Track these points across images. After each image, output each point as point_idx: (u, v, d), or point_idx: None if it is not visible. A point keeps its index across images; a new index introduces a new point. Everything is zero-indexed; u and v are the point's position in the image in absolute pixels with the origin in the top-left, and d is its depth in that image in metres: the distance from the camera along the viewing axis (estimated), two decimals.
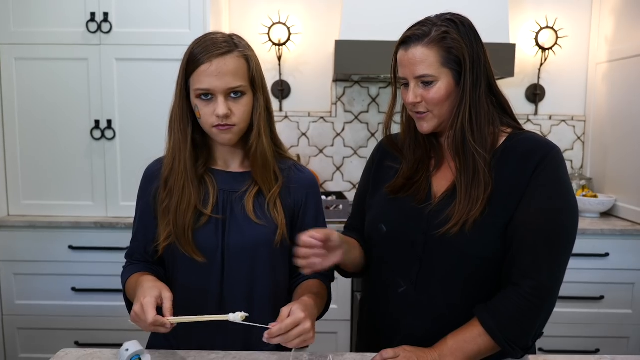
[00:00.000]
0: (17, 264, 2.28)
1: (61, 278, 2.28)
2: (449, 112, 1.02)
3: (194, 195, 1.07)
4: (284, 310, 0.94)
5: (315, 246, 0.95)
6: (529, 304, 0.95)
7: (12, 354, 2.33)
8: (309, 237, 0.95)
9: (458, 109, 1.00)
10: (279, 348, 1.17)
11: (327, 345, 2.31)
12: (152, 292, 0.94)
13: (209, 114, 1.03)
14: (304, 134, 2.77)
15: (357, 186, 1.26)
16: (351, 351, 1.11)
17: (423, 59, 0.98)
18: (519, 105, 2.77)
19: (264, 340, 0.91)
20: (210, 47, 1.02)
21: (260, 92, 1.09)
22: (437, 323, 1.03)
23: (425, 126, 1.04)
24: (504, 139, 1.04)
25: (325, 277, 1.19)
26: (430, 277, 1.03)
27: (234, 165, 1.15)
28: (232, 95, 1.03)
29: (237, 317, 0.92)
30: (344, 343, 2.32)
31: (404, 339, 1.05)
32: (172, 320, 0.91)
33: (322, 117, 2.76)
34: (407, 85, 1.04)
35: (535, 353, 1.11)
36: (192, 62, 1.03)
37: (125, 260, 1.21)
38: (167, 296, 0.94)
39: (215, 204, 1.10)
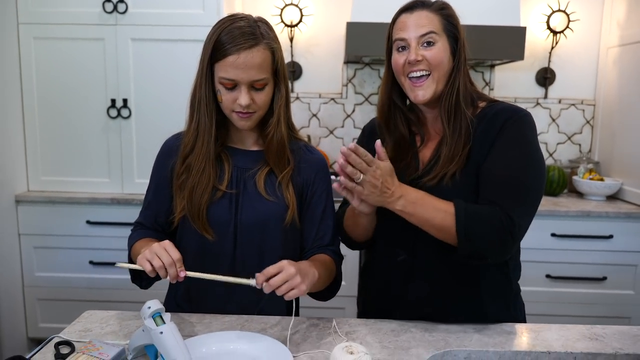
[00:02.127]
0: (37, 238, 2.38)
1: (79, 251, 2.38)
2: (444, 78, 1.09)
3: (212, 176, 1.12)
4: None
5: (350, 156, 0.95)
6: (500, 223, 0.98)
7: (33, 323, 2.44)
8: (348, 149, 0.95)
9: (455, 75, 1.08)
10: (289, 313, 1.24)
11: None
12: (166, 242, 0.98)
13: (231, 100, 1.08)
14: (314, 115, 2.81)
15: None
16: None
17: (429, 20, 1.07)
18: (529, 88, 2.78)
19: (256, 285, 0.93)
20: (237, 38, 1.04)
21: (282, 82, 1.13)
22: (435, 288, 1.10)
23: (421, 94, 1.08)
24: (478, 111, 1.11)
25: (334, 252, 1.22)
26: (425, 245, 1.09)
27: (249, 143, 1.20)
28: (255, 85, 1.07)
29: (252, 282, 0.95)
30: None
31: (405, 305, 1.12)
32: (189, 274, 0.97)
33: (332, 99, 2.80)
34: (404, 48, 1.09)
35: (525, 320, 1.18)
36: (218, 50, 1.05)
37: (133, 226, 1.24)
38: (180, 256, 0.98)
39: (229, 180, 1.15)
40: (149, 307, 0.88)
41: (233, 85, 1.06)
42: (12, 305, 2.36)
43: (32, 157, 2.40)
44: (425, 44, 1.07)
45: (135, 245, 1.16)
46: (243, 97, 1.06)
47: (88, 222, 2.35)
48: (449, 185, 1.05)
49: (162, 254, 0.95)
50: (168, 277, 0.97)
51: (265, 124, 1.15)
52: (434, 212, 1.00)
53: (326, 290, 1.19)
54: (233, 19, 1.08)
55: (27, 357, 0.92)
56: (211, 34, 1.08)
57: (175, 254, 0.96)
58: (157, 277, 1.02)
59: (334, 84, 2.80)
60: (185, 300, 1.22)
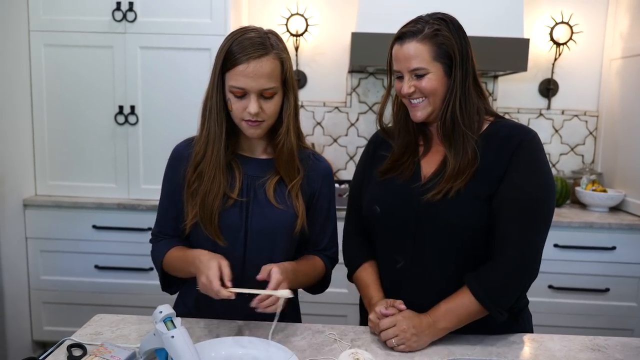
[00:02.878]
0: (43, 242, 2.40)
1: (85, 256, 2.40)
2: (441, 101, 1.11)
3: (223, 183, 1.14)
4: (265, 268, 1.06)
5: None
6: (512, 274, 1.05)
7: (38, 326, 2.46)
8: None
9: (449, 98, 1.10)
10: (295, 319, 1.26)
11: None
12: (212, 263, 1.03)
13: (241, 109, 1.10)
14: (319, 124, 2.84)
15: (351, 183, 1.34)
16: None
17: (417, 53, 1.08)
18: (532, 99, 2.80)
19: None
20: (247, 48, 1.06)
21: (291, 91, 1.15)
22: (436, 296, 1.11)
23: (419, 114, 1.12)
24: (486, 125, 1.14)
25: (328, 257, 1.28)
26: (424, 252, 1.12)
27: (258, 152, 1.22)
28: (265, 94, 1.10)
29: (285, 293, 1.01)
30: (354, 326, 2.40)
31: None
32: (233, 290, 1.01)
33: (337, 107, 2.83)
34: (401, 77, 1.12)
35: (532, 331, 1.19)
36: (229, 59, 1.08)
37: (152, 237, 1.27)
38: (225, 264, 1.04)
39: (240, 188, 1.17)
40: (161, 312, 0.90)
41: (243, 94, 1.09)
42: (18, 308, 2.38)
43: (40, 161, 2.43)
44: (415, 76, 1.09)
45: (169, 257, 1.19)
46: (252, 106, 1.08)
47: (94, 226, 2.37)
48: (453, 199, 1.07)
49: (208, 288, 1.01)
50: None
51: (275, 133, 1.18)
52: (464, 310, 1.07)
53: (316, 288, 1.29)
54: (244, 30, 1.11)
55: (40, 358, 0.94)
56: (223, 45, 1.11)
57: (216, 286, 1.00)
58: (185, 282, 1.07)
59: (338, 93, 2.82)
60: (194, 306, 1.24)
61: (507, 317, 1.08)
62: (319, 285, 1.29)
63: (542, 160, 1.09)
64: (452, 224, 1.08)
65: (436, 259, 1.11)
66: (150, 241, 1.28)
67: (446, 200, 1.07)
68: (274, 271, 1.04)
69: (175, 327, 0.89)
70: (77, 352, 0.96)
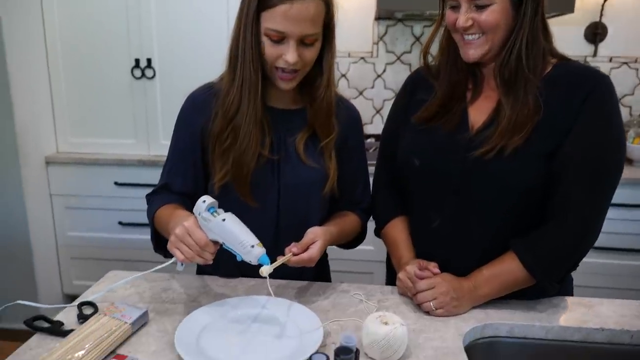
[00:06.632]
0: (67, 198, 2.41)
1: (108, 212, 2.39)
2: (501, 39, 0.95)
3: (259, 140, 1.03)
4: (309, 236, 0.99)
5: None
6: (570, 240, 0.93)
7: (67, 281, 2.52)
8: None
9: (515, 37, 0.94)
10: (318, 277, 1.18)
11: None
12: (191, 217, 0.91)
13: (276, 55, 0.97)
14: (343, 75, 2.70)
15: (384, 128, 1.22)
16: None
17: None
18: (576, 45, 2.57)
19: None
20: None
21: (333, 39, 1.02)
22: (474, 260, 1.00)
23: (472, 53, 0.96)
24: (549, 68, 0.98)
25: (363, 210, 1.20)
26: (467, 211, 1.00)
27: (288, 101, 1.09)
28: (305, 41, 0.96)
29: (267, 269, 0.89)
30: (380, 284, 2.35)
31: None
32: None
33: (362, 58, 2.67)
34: (456, 7, 0.96)
35: (572, 294, 1.08)
36: None
37: (153, 191, 1.15)
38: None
39: (270, 144, 1.06)
40: (204, 201, 0.88)
41: (280, 39, 0.95)
42: (48, 263, 2.42)
43: (60, 118, 2.40)
44: (475, 7, 0.92)
45: (158, 215, 1.06)
46: (291, 54, 0.95)
47: (116, 183, 2.35)
48: (511, 158, 0.93)
49: (187, 241, 0.87)
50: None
51: (307, 79, 1.04)
52: (509, 276, 0.96)
53: (349, 243, 1.22)
54: None
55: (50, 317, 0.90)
56: None
57: (201, 238, 0.87)
58: None
59: (364, 42, 2.65)
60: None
61: (558, 288, 0.97)
62: (354, 240, 1.22)
63: (615, 112, 0.94)
64: (506, 184, 0.95)
65: (479, 221, 0.99)
66: (148, 195, 1.15)
67: (500, 158, 0.93)
68: (317, 245, 0.97)
69: (219, 214, 0.87)
70: (87, 311, 0.92)
